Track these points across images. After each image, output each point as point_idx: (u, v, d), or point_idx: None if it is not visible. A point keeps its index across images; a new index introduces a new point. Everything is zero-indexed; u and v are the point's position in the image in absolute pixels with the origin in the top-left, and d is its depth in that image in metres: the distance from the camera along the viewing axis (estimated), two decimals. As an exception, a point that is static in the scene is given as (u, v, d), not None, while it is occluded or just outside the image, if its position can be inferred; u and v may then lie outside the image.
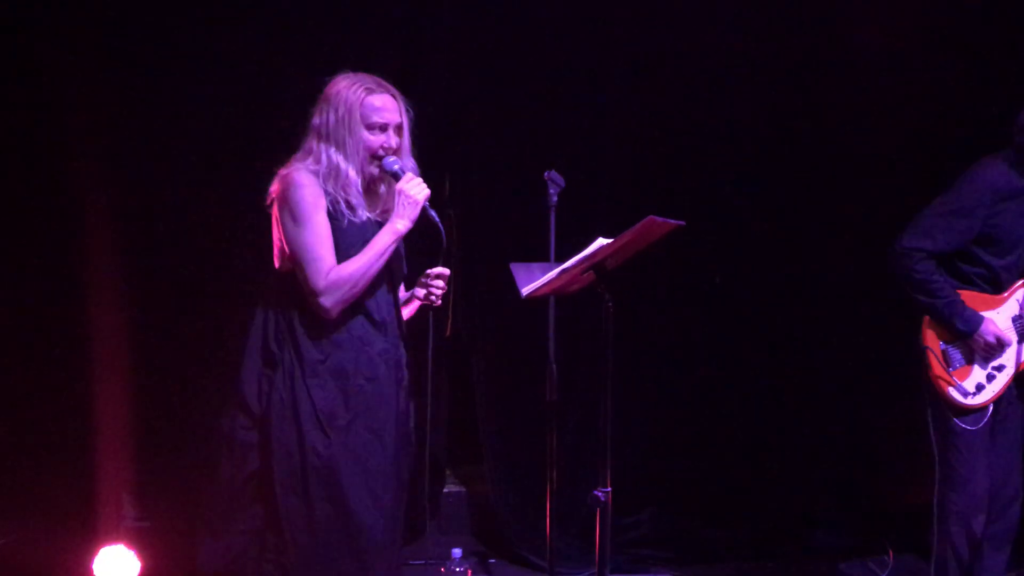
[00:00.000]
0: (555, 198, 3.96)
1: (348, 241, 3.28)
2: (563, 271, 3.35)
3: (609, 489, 3.45)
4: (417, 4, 4.89)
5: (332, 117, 3.29)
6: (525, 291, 3.41)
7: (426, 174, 4.79)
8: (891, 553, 4.85)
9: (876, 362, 4.90)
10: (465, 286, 5.04)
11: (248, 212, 3.52)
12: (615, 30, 4.97)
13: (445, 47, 4.91)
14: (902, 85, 5.00)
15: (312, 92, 3.35)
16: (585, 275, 3.45)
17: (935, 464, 4.01)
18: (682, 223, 3.38)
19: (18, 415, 4.66)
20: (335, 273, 3.23)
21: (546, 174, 3.96)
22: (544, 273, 3.45)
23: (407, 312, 3.51)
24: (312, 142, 3.33)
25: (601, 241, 3.30)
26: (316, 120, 3.33)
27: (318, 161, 3.30)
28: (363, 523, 3.28)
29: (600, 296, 3.42)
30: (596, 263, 3.38)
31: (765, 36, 5.00)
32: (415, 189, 3.31)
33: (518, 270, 3.47)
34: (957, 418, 3.91)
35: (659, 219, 3.29)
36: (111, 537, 4.49)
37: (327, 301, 3.22)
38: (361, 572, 3.30)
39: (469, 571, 4.30)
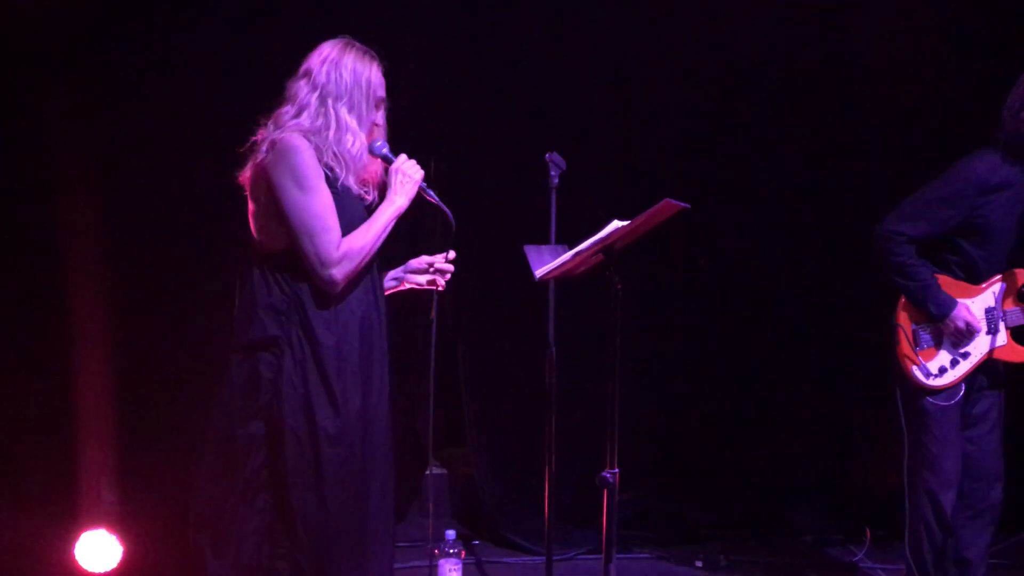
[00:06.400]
0: (556, 180, 3.94)
1: (339, 209, 3.10)
2: (577, 253, 3.34)
3: (617, 470, 3.46)
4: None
5: (347, 79, 3.10)
6: (539, 273, 3.39)
7: (412, 154, 4.81)
8: (868, 532, 4.95)
9: (860, 347, 4.94)
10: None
11: (228, 202, 3.38)
12: (610, 11, 4.97)
13: (434, 23, 4.85)
14: (893, 74, 5.06)
15: (292, 71, 3.16)
16: (593, 258, 3.44)
17: (904, 443, 4.05)
18: (688, 205, 3.39)
19: (-3, 400, 4.56)
20: (346, 244, 3.08)
21: (547, 156, 3.93)
22: (552, 255, 3.42)
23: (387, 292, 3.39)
24: (310, 97, 3.11)
25: (617, 223, 3.27)
26: (321, 78, 3.10)
27: (319, 118, 3.09)
28: (373, 510, 3.21)
29: (608, 278, 3.40)
30: (607, 245, 3.37)
31: (759, 22, 5.04)
32: (412, 169, 3.25)
33: (530, 252, 3.45)
34: (930, 397, 3.96)
35: (673, 201, 3.29)
36: (92, 522, 4.40)
37: (339, 273, 3.06)
38: (369, 560, 3.21)
39: (463, 552, 4.32)
